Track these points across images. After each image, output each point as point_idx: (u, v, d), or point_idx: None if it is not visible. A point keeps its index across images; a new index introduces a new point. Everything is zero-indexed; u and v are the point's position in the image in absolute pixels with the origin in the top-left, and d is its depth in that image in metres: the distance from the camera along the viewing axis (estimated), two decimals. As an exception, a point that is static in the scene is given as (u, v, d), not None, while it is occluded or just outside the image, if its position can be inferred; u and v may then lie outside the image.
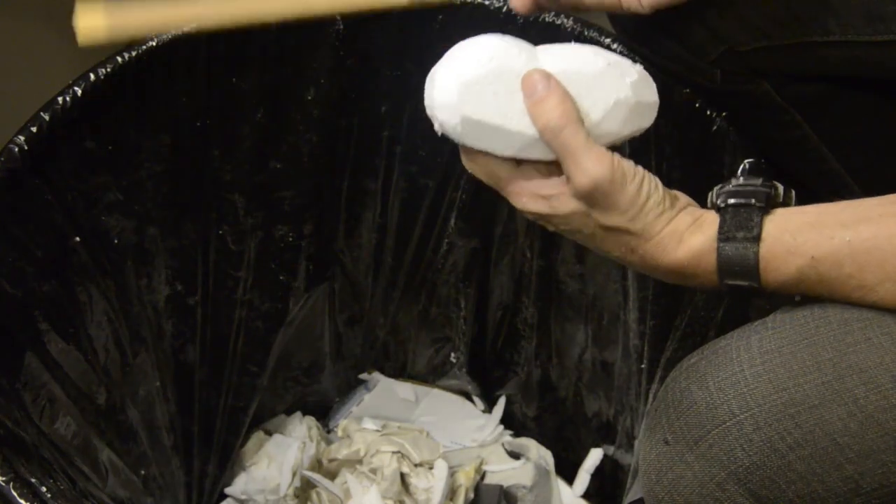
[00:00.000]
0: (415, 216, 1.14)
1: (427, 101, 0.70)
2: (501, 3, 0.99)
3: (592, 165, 0.67)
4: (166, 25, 0.78)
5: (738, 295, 0.69)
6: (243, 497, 1.17)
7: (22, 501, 0.74)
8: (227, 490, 1.17)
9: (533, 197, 0.70)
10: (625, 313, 1.09)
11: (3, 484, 0.74)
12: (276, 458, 1.18)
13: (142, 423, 1.04)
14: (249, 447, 1.20)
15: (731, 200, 0.69)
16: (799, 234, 0.67)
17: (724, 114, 0.93)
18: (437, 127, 0.70)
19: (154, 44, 0.94)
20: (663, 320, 1.02)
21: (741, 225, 0.68)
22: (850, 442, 0.65)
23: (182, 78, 0.96)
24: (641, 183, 0.69)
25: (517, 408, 1.26)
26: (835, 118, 1.04)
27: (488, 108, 0.68)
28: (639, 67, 0.73)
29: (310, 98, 1.03)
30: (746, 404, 0.67)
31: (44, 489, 0.76)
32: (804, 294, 0.69)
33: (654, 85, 0.73)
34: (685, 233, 0.69)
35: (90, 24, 0.74)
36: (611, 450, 1.18)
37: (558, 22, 0.99)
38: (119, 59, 0.92)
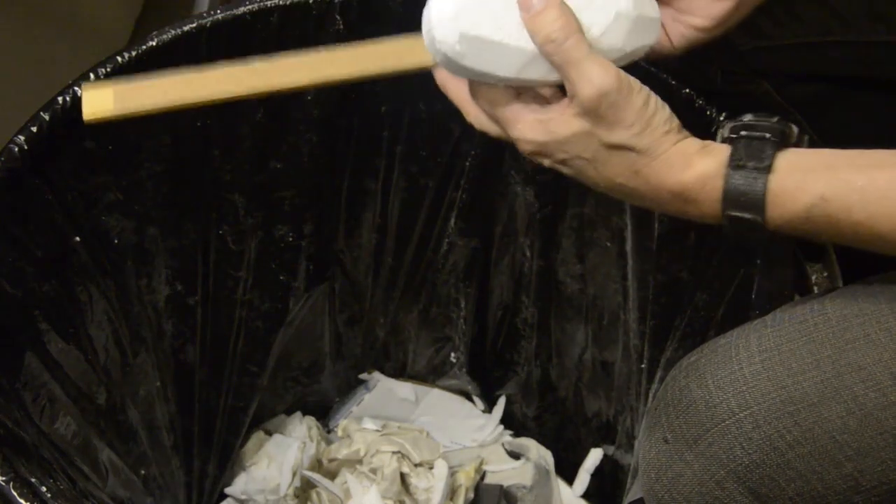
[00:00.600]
0: (415, 216, 1.14)
1: (425, 27, 0.68)
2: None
3: (598, 74, 0.65)
4: (175, 104, 0.74)
5: (735, 232, 0.67)
6: (243, 497, 1.17)
7: (22, 501, 0.74)
8: (227, 490, 1.17)
9: (531, 123, 0.68)
10: (625, 313, 1.09)
11: (4, 484, 0.74)
12: (276, 458, 1.18)
13: (142, 423, 1.04)
14: (249, 447, 1.20)
15: (744, 133, 0.67)
16: (811, 173, 0.65)
17: (724, 114, 0.93)
18: (435, 54, 0.68)
19: (154, 44, 0.94)
20: (663, 320, 1.02)
21: (752, 155, 0.66)
22: (849, 439, 0.65)
23: (182, 78, 0.96)
24: (648, 98, 0.67)
25: (517, 408, 1.26)
26: (835, 118, 1.04)
27: (486, 23, 0.66)
28: None
29: (310, 98, 1.03)
30: (746, 402, 0.67)
31: (44, 489, 0.76)
32: (807, 236, 0.66)
33: (654, 2, 0.71)
34: (694, 156, 0.67)
35: (97, 103, 0.73)
36: (611, 450, 1.18)
37: None
38: (119, 58, 0.92)
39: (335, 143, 1.07)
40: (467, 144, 1.08)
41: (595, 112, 0.66)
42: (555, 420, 1.24)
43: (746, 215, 0.66)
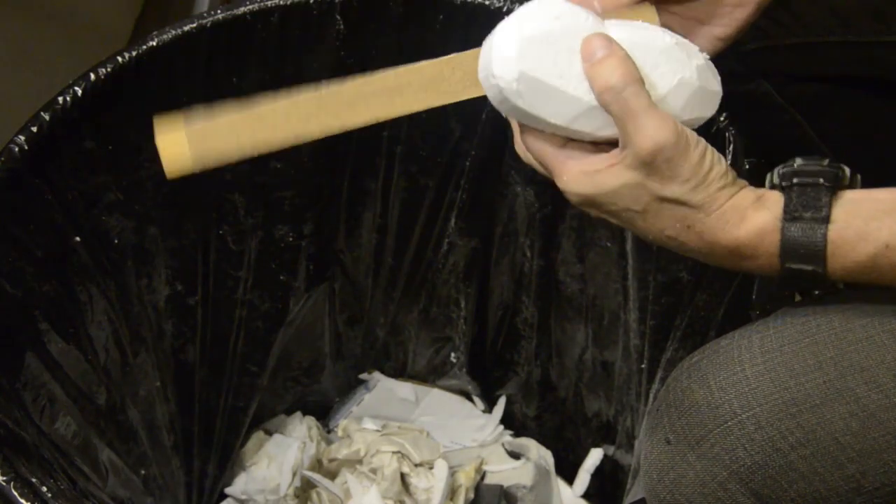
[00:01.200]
0: (415, 216, 1.14)
1: (483, 62, 0.66)
2: (501, 3, 0.99)
3: (656, 127, 0.63)
4: (251, 149, 0.72)
5: (796, 283, 0.65)
6: (243, 497, 1.17)
7: (22, 501, 0.74)
8: (227, 490, 1.17)
9: (576, 175, 0.66)
10: (625, 313, 1.08)
11: (4, 484, 0.74)
12: (276, 458, 1.18)
13: (142, 423, 1.04)
14: (249, 447, 1.20)
15: (796, 180, 0.65)
16: (872, 220, 0.63)
17: (724, 114, 0.93)
18: (488, 89, 0.67)
19: (154, 44, 0.94)
20: (663, 320, 1.02)
21: (808, 205, 0.64)
22: (851, 441, 0.65)
23: (182, 78, 0.96)
24: (705, 152, 0.65)
25: (517, 408, 1.26)
26: (835, 118, 1.04)
27: (548, 66, 0.65)
28: (704, 55, 0.70)
29: (310, 98, 1.03)
30: (748, 403, 0.67)
31: (44, 489, 0.76)
32: (871, 284, 0.65)
33: (717, 75, 0.70)
34: (748, 209, 0.65)
35: (176, 155, 0.71)
36: (611, 450, 1.18)
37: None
38: (119, 58, 0.92)
39: (335, 143, 1.07)
40: (467, 144, 1.08)
41: (650, 165, 0.64)
42: (555, 420, 1.24)
43: (807, 267, 0.64)
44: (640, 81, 0.65)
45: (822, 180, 0.65)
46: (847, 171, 0.66)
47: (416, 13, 1.01)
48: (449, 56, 0.71)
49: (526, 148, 0.70)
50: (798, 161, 0.67)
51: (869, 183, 0.85)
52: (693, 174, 0.64)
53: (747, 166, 0.91)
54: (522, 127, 0.69)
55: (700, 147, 0.65)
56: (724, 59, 1.01)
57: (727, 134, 0.92)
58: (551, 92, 0.65)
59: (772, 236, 0.65)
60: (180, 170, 0.71)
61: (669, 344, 1.01)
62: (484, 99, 0.70)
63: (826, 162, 0.66)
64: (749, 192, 0.66)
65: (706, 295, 0.97)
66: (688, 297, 0.99)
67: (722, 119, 0.93)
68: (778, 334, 0.68)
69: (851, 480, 0.66)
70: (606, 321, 1.12)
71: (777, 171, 0.67)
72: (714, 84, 0.70)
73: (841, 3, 0.94)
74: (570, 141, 0.67)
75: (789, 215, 0.64)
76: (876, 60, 0.96)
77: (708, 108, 0.70)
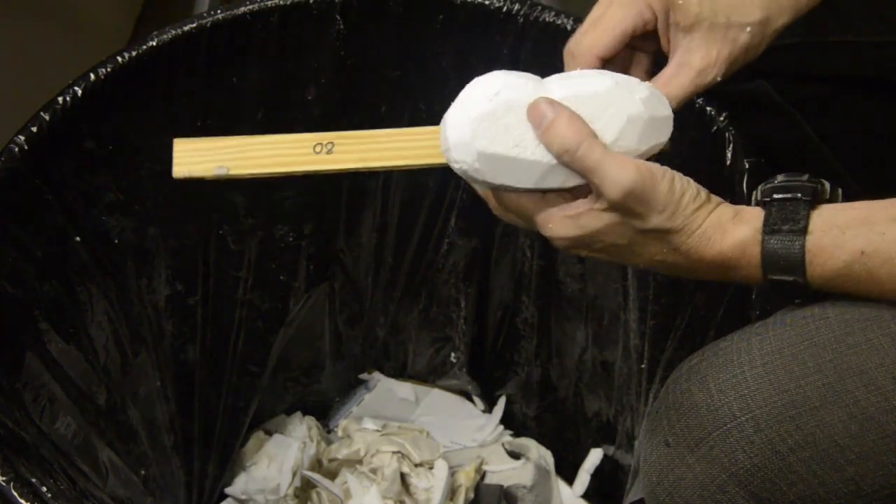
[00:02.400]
0: (415, 216, 1.14)
1: (442, 146, 0.70)
2: (501, 3, 0.99)
3: (618, 174, 0.66)
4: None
5: (780, 293, 0.68)
6: (243, 497, 1.17)
7: (22, 501, 0.74)
8: (227, 490, 1.17)
9: (561, 220, 0.69)
10: (625, 313, 1.09)
11: (4, 484, 0.74)
12: (276, 458, 1.18)
13: (142, 423, 1.04)
14: (249, 447, 1.20)
15: (777, 195, 0.68)
16: (848, 229, 0.65)
17: (724, 114, 0.93)
18: (457, 171, 0.70)
19: (154, 44, 0.94)
20: (663, 320, 1.02)
21: (787, 218, 0.66)
22: (850, 444, 0.65)
23: (182, 78, 0.96)
24: (672, 180, 0.67)
25: (517, 408, 1.26)
26: (835, 118, 1.04)
27: (501, 140, 0.68)
28: (647, 84, 0.73)
29: (310, 98, 1.03)
30: (747, 406, 0.67)
31: (44, 489, 0.76)
32: (850, 292, 0.67)
33: (665, 100, 0.73)
34: (728, 223, 0.68)
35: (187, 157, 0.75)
36: (611, 450, 1.18)
37: (558, 21, 0.98)
38: (119, 58, 0.92)
39: (335, 142, 1.07)
40: (467, 144, 1.08)
41: (624, 207, 0.67)
42: (555, 420, 1.24)
43: (787, 278, 0.66)
44: (591, 135, 0.68)
45: (800, 195, 0.67)
46: (827, 185, 0.68)
47: (416, 13, 1.01)
48: (414, 129, 0.76)
49: (505, 209, 0.72)
50: (779, 177, 0.69)
51: (869, 182, 0.85)
52: (667, 203, 0.67)
53: (747, 166, 0.91)
54: (498, 193, 0.72)
55: (667, 176, 0.68)
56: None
57: (727, 134, 0.92)
58: (511, 162, 0.68)
59: (752, 249, 0.67)
60: (188, 172, 0.75)
61: (669, 344, 1.01)
62: None
63: (806, 177, 0.68)
64: (726, 208, 0.69)
65: (706, 295, 0.97)
66: (688, 297, 0.99)
67: (722, 119, 0.93)
68: (777, 337, 0.68)
69: (850, 483, 0.66)
70: (606, 321, 1.12)
71: (759, 187, 0.69)
72: (662, 110, 0.72)
73: (841, 3, 0.94)
74: (546, 192, 0.70)
75: (769, 228, 0.67)
76: (876, 60, 0.96)
77: (662, 133, 0.72)
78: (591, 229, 0.68)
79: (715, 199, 0.69)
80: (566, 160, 0.67)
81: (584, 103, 0.69)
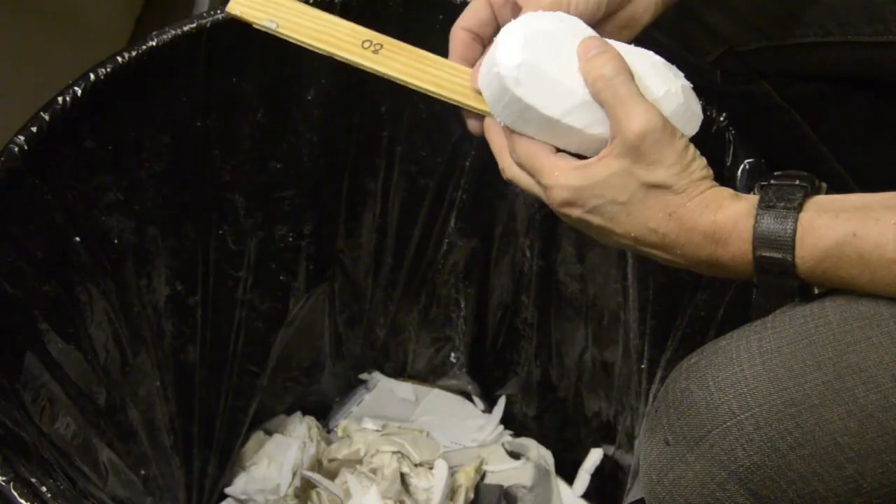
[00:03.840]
0: (415, 216, 1.14)
1: (487, 57, 0.72)
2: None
3: (644, 111, 0.67)
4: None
5: (766, 277, 0.67)
6: (243, 497, 1.17)
7: (22, 501, 0.74)
8: (227, 490, 1.17)
9: (567, 170, 0.70)
10: (625, 313, 1.09)
11: (4, 484, 0.74)
12: (276, 458, 1.18)
13: (142, 423, 1.04)
14: (249, 447, 1.20)
15: (773, 181, 0.68)
16: (842, 212, 0.66)
17: (724, 114, 0.93)
18: (489, 82, 0.71)
19: (154, 44, 0.94)
20: (663, 320, 1.02)
21: (783, 197, 0.67)
22: (850, 441, 0.65)
23: (182, 78, 0.96)
24: (688, 144, 0.69)
25: (517, 408, 1.26)
26: (835, 118, 1.04)
27: (548, 58, 0.70)
28: (688, 82, 0.74)
29: (310, 98, 1.03)
30: (747, 404, 0.67)
31: (44, 489, 0.76)
32: (837, 281, 0.67)
33: (698, 101, 0.74)
34: (726, 199, 0.68)
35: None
36: (611, 450, 1.18)
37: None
38: (119, 58, 0.92)
39: (335, 143, 1.07)
40: (467, 144, 1.08)
41: (637, 149, 0.68)
42: (555, 420, 1.24)
43: (776, 255, 0.66)
44: (630, 74, 0.69)
45: (798, 182, 0.68)
46: (824, 185, 0.69)
47: (416, 13, 1.01)
48: (460, 66, 0.77)
49: (517, 155, 0.72)
50: (776, 174, 0.70)
51: (869, 182, 0.85)
52: (678, 160, 0.68)
53: (747, 166, 0.91)
54: (513, 137, 0.72)
55: (685, 139, 0.69)
56: (724, 59, 1.02)
57: (727, 134, 0.92)
58: (549, 81, 0.69)
59: (745, 221, 0.67)
60: (240, 13, 0.80)
61: (669, 344, 1.01)
62: None
63: (805, 174, 0.69)
64: (727, 189, 0.70)
65: (706, 295, 0.97)
66: (688, 297, 0.99)
67: (722, 119, 0.93)
68: (776, 335, 0.68)
69: (850, 481, 0.66)
70: (606, 321, 1.12)
71: (757, 185, 0.70)
72: (696, 107, 0.74)
73: (841, 3, 0.94)
74: (559, 150, 0.71)
75: (764, 204, 0.67)
76: (875, 60, 0.96)
77: (689, 127, 0.73)
78: (595, 179, 0.69)
79: (717, 183, 0.70)
80: (600, 86, 0.69)
81: (630, 60, 0.71)
